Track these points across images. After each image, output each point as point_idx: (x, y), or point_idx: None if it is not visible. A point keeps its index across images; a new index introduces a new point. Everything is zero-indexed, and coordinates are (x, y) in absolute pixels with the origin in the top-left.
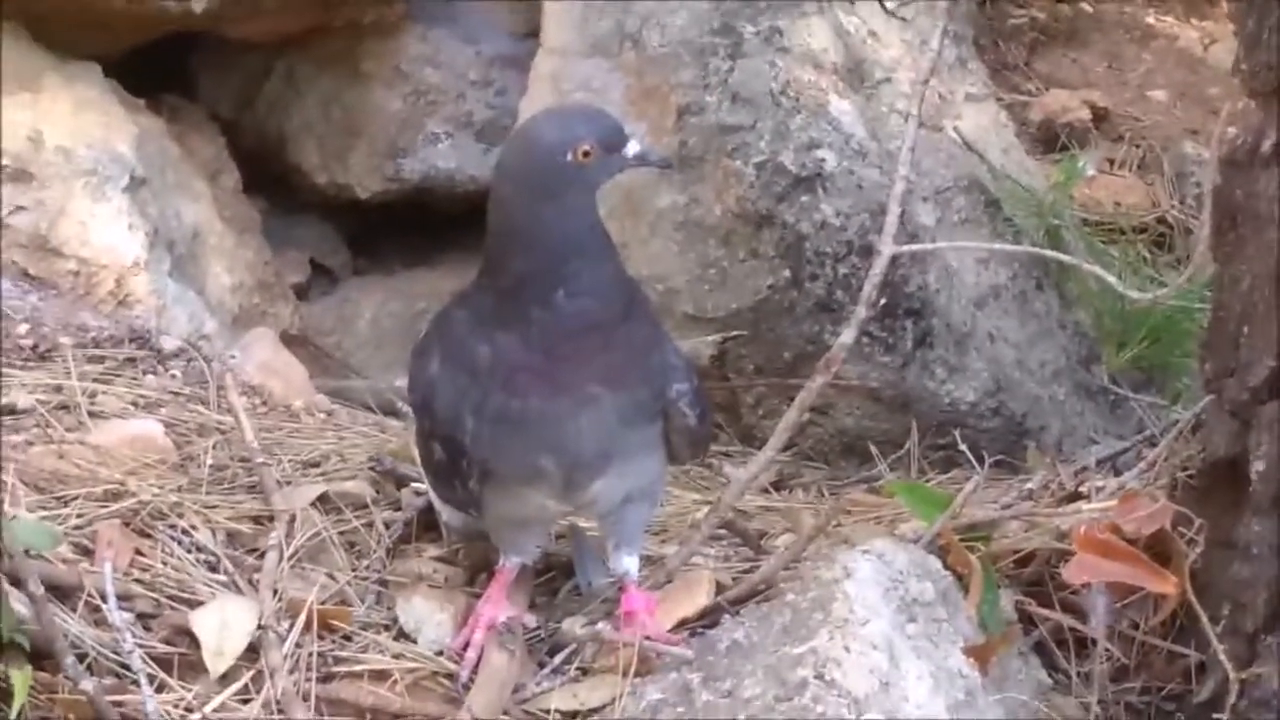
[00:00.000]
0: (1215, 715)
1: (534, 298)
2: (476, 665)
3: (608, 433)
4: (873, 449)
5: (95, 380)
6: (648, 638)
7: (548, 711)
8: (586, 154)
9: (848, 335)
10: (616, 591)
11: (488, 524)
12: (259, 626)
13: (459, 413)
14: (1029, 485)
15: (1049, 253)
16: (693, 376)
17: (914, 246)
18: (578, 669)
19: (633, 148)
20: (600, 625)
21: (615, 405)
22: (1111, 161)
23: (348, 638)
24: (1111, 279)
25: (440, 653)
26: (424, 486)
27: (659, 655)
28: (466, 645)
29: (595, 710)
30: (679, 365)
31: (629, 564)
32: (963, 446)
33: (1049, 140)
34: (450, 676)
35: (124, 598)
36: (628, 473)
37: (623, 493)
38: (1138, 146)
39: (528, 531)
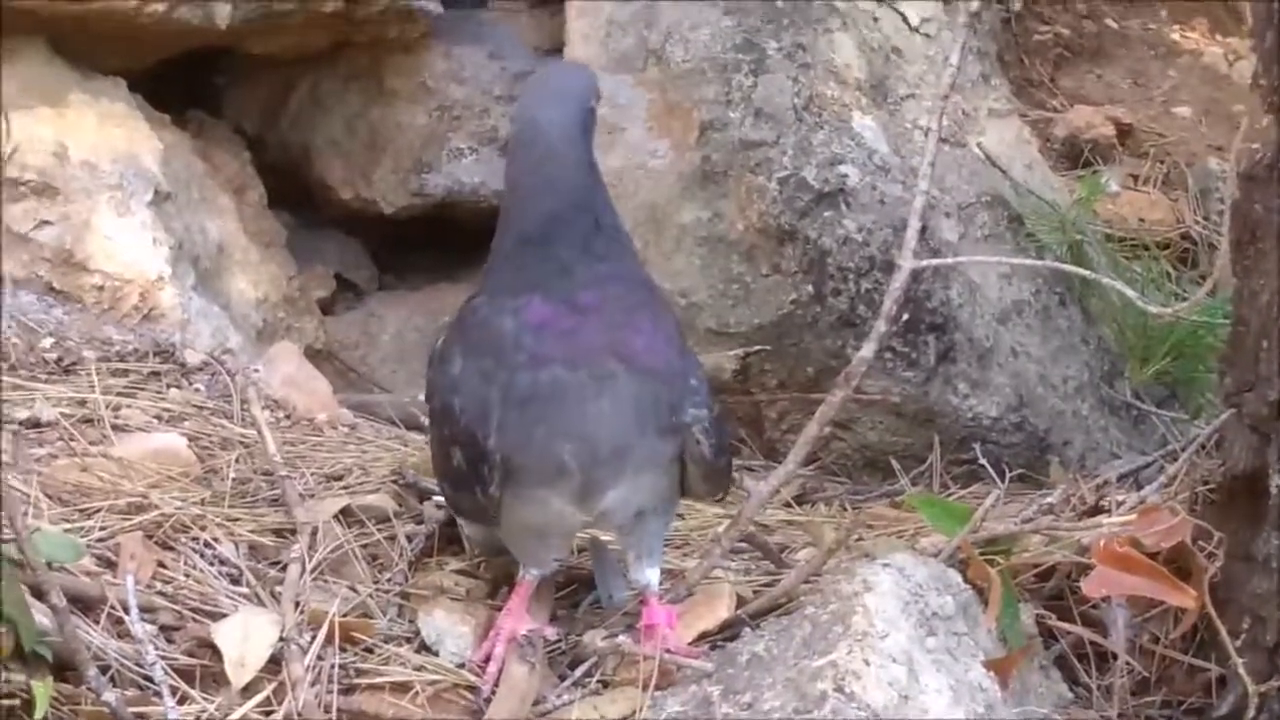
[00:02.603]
0: None
1: (563, 237)
2: (497, 679)
3: (624, 425)
4: (895, 464)
5: (119, 394)
6: (668, 651)
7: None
8: (598, 98)
9: (868, 349)
10: (637, 604)
11: (506, 535)
12: (281, 639)
13: (485, 403)
14: (1049, 499)
15: (1070, 267)
16: (712, 405)
17: (935, 261)
18: (599, 682)
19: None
20: (621, 638)
21: (631, 389)
22: (1135, 178)
23: (369, 650)
24: (1132, 293)
25: (462, 665)
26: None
27: (679, 668)
28: (488, 659)
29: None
30: (699, 389)
31: (650, 576)
32: (984, 461)
33: (1073, 156)
34: (472, 689)
35: (146, 610)
36: (641, 485)
37: (637, 505)
38: (1162, 163)
39: (547, 543)
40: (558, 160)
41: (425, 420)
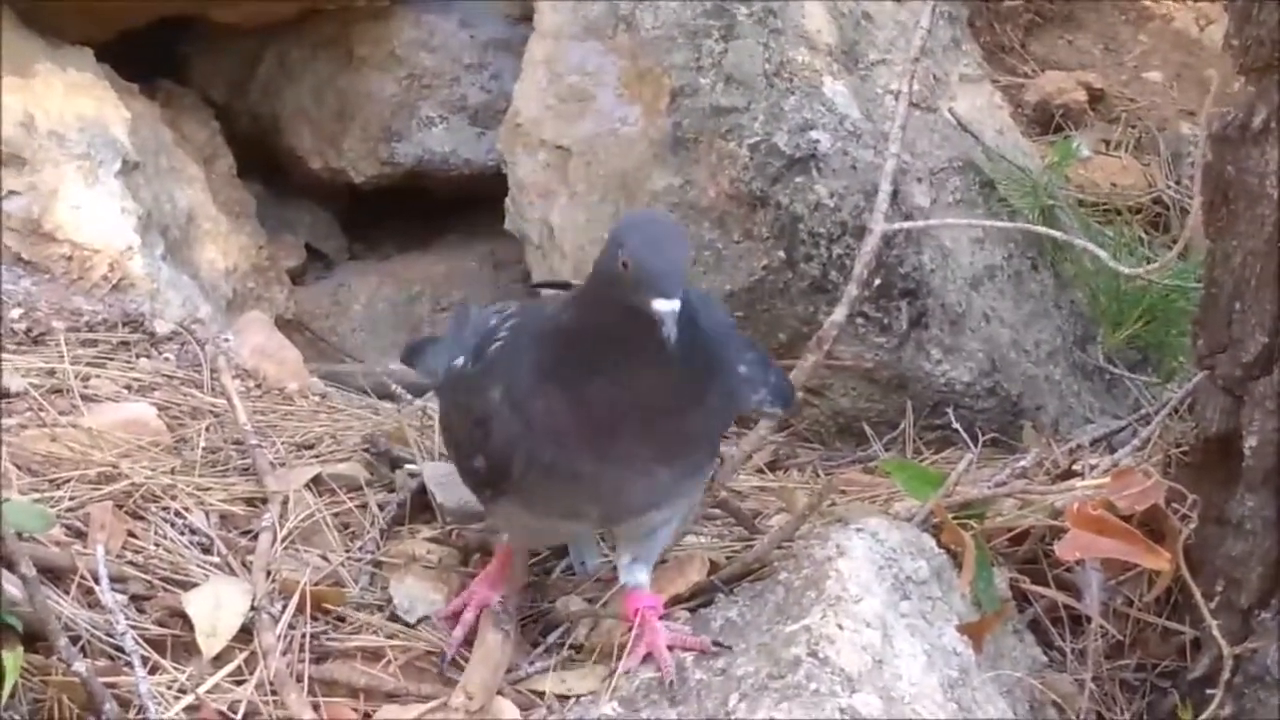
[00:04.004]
0: (1209, 691)
1: (581, 363)
2: (462, 643)
3: (658, 492)
4: (868, 429)
5: (88, 364)
6: (670, 647)
7: (541, 693)
8: (625, 267)
9: (839, 313)
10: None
11: (501, 520)
12: (252, 608)
13: (511, 454)
14: (1023, 463)
15: (1041, 229)
16: (769, 373)
17: (906, 224)
18: (571, 647)
19: (660, 305)
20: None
21: (670, 475)
22: (1107, 143)
23: (341, 619)
24: (1103, 254)
25: (424, 619)
26: (417, 468)
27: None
28: (456, 616)
29: (590, 692)
30: (752, 377)
31: (640, 579)
32: (957, 426)
33: (1045, 122)
34: (444, 655)
35: (117, 579)
36: (671, 508)
37: (660, 521)
38: (1134, 128)
39: (543, 539)
40: (598, 282)
41: (398, 389)
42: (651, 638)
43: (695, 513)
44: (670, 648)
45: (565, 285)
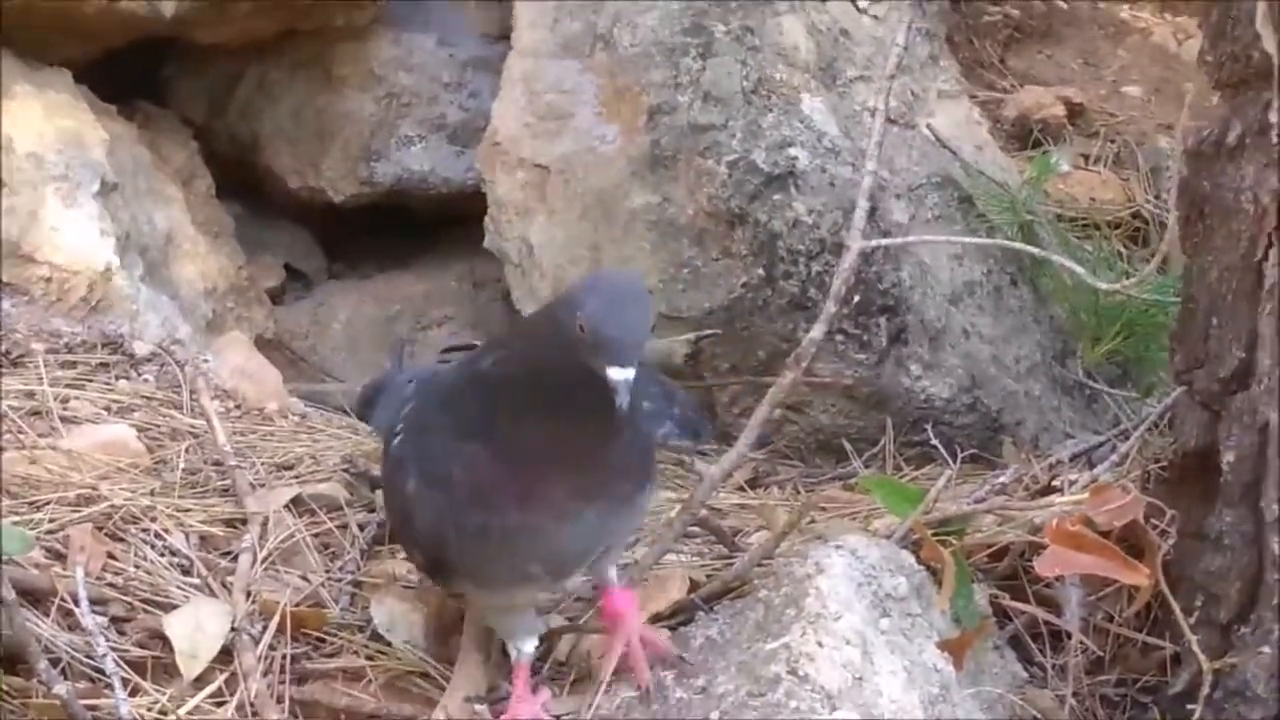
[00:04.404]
0: (1190, 706)
1: (505, 410)
2: None
3: (595, 535)
4: (848, 446)
5: (67, 385)
6: (642, 640)
7: None
8: (581, 330)
9: (818, 330)
10: (592, 590)
11: (479, 611)
12: (232, 629)
13: (441, 531)
14: (1002, 479)
15: (1019, 245)
16: (673, 406)
17: (884, 240)
18: (553, 664)
19: (615, 374)
20: (586, 624)
21: (599, 514)
22: (1086, 157)
23: (322, 639)
24: (1079, 269)
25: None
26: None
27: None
28: None
29: (570, 712)
30: (655, 411)
31: (610, 572)
32: (936, 443)
33: (1023, 137)
34: (424, 675)
35: (97, 601)
36: (617, 540)
37: (611, 552)
38: (1113, 142)
39: (523, 615)
40: (538, 341)
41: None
42: (626, 632)
43: (676, 531)
44: (644, 642)
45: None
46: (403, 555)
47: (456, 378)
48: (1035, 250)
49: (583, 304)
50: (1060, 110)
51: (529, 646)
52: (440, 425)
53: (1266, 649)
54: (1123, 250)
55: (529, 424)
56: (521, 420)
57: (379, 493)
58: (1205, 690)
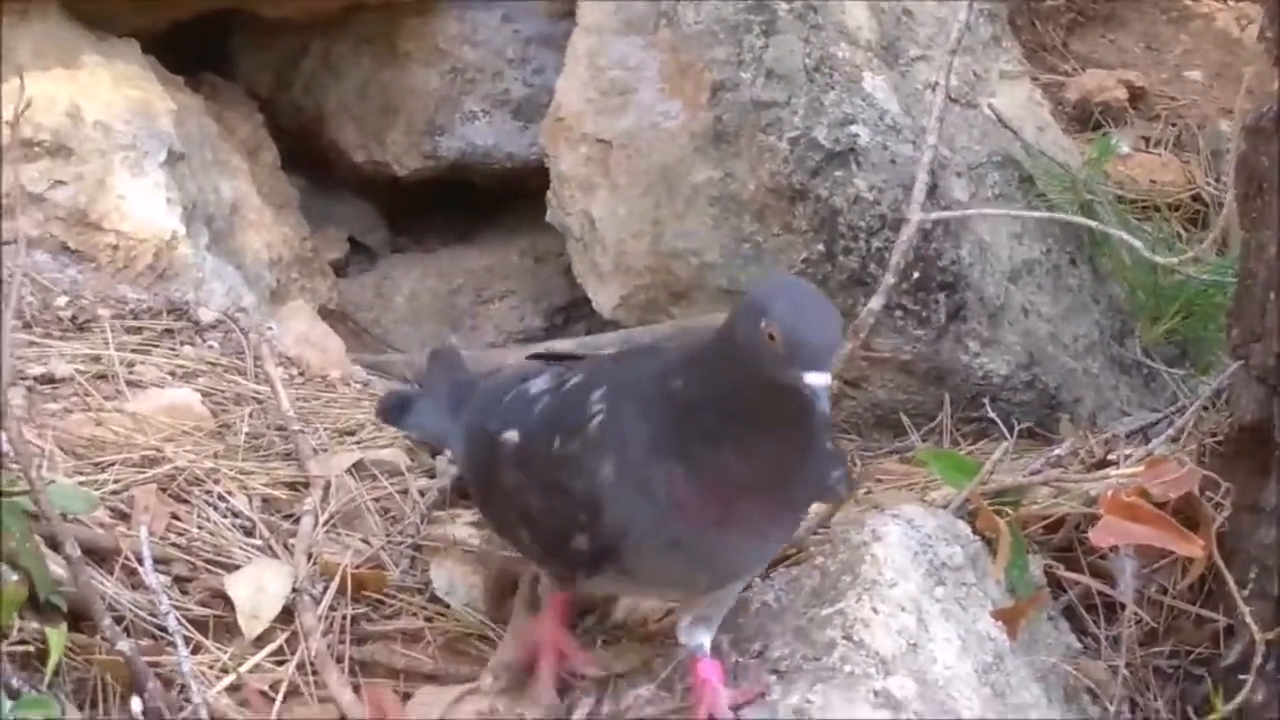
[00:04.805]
0: (1242, 677)
1: (703, 436)
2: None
3: (767, 554)
4: (905, 421)
5: (133, 350)
6: (735, 708)
7: (574, 675)
8: (771, 338)
9: (876, 301)
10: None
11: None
12: (294, 590)
13: (625, 531)
14: (1057, 452)
15: (1076, 219)
16: (836, 449)
17: (942, 213)
18: (611, 628)
19: (813, 379)
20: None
21: (777, 535)
22: (1147, 140)
23: (381, 601)
24: (1138, 243)
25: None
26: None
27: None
28: (530, 668)
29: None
30: (834, 454)
31: (703, 640)
32: (994, 416)
33: (1085, 120)
34: (482, 638)
35: (160, 561)
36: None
37: (743, 584)
38: (1174, 125)
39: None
40: (719, 358)
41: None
42: (713, 704)
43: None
44: (735, 708)
45: (568, 357)
46: (489, 523)
47: (649, 390)
48: (1093, 224)
49: (768, 310)
50: (1122, 93)
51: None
52: (637, 430)
53: None
54: (1182, 232)
55: (723, 453)
56: (721, 444)
57: (440, 459)
58: (1258, 661)
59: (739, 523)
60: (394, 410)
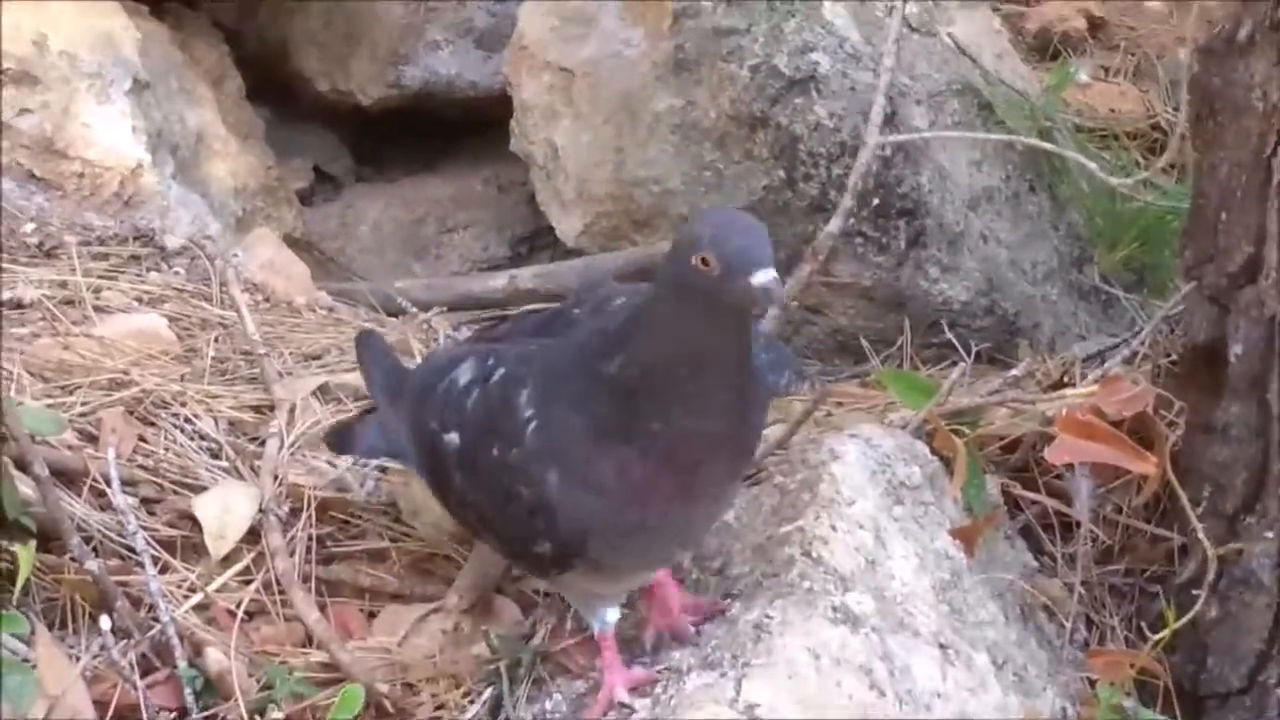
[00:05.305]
0: (1195, 593)
1: (651, 410)
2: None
3: (729, 501)
4: (866, 346)
5: (100, 276)
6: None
7: (541, 592)
8: (705, 262)
9: (834, 224)
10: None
11: (561, 587)
12: (260, 511)
13: (585, 531)
14: (1014, 373)
15: (1034, 141)
16: (776, 349)
17: (900, 137)
18: None
19: (760, 278)
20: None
21: (734, 485)
22: (1106, 70)
23: (347, 522)
24: (1092, 165)
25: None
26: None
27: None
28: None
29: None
30: (776, 360)
31: None
32: (950, 336)
33: (1044, 49)
34: (447, 558)
35: (128, 483)
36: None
37: None
38: (1133, 55)
39: (604, 599)
40: (645, 316)
41: (406, 305)
42: (666, 608)
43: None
44: (696, 620)
45: (496, 320)
46: (457, 522)
47: (579, 378)
48: (1049, 146)
49: (694, 244)
50: (1081, 23)
51: (613, 617)
52: (575, 426)
53: (1270, 534)
54: (1140, 160)
55: (677, 421)
56: (671, 411)
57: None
58: (1210, 578)
59: (702, 485)
60: (341, 439)
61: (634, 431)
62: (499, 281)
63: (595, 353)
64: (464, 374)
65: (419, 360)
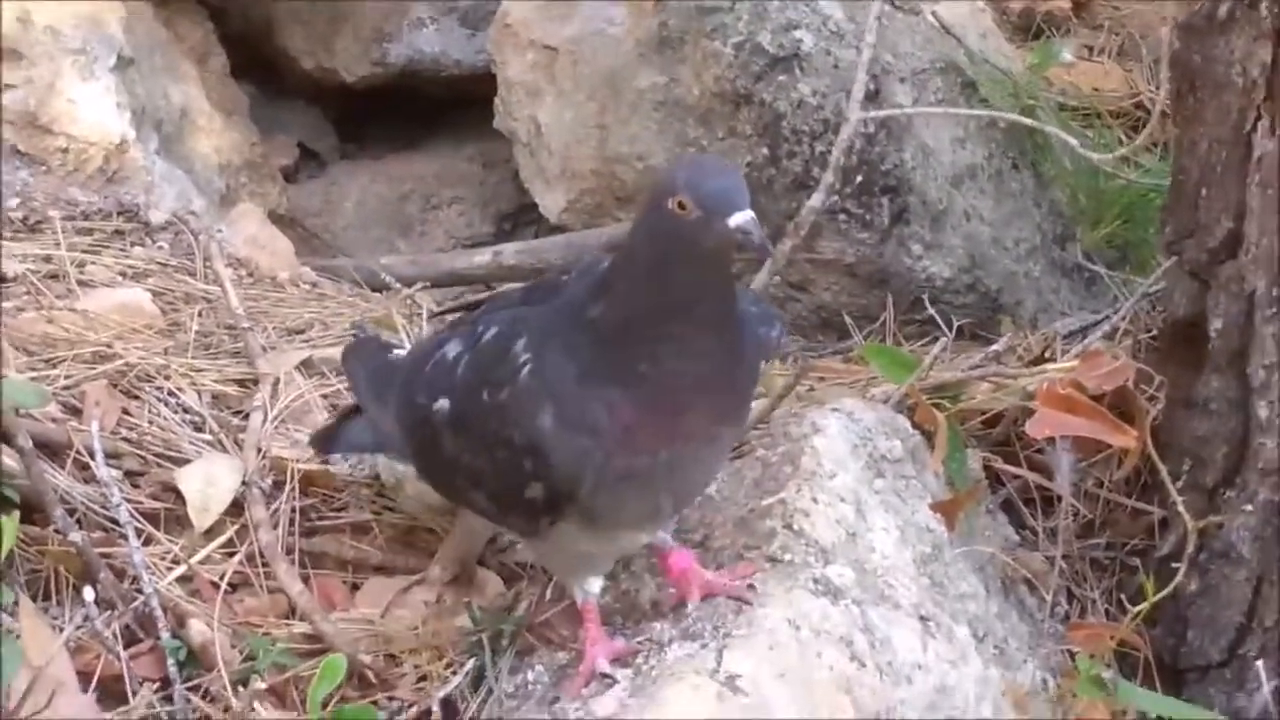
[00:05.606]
0: (1175, 565)
1: (636, 353)
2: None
3: (720, 458)
4: (849, 323)
5: (84, 251)
6: (714, 587)
7: (525, 564)
8: (681, 206)
9: (816, 198)
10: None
11: (547, 554)
12: (243, 483)
13: (580, 472)
14: (996, 348)
15: (1014, 116)
16: (769, 308)
17: (882, 112)
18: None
19: (737, 219)
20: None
21: (728, 434)
22: (1090, 49)
23: (330, 495)
24: (1073, 140)
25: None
26: (404, 352)
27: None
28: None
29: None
30: (762, 314)
31: (665, 535)
32: (933, 312)
33: (1028, 29)
34: (430, 531)
35: (112, 455)
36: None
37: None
38: (1117, 35)
39: (598, 564)
40: (629, 259)
41: (390, 280)
42: (705, 587)
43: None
44: (715, 589)
45: (471, 307)
46: (443, 495)
47: (568, 325)
48: (1030, 121)
49: (670, 189)
50: (1065, 2)
51: (596, 586)
52: (567, 370)
53: (1250, 508)
54: (1124, 139)
55: (663, 362)
56: (657, 352)
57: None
58: (1190, 550)
59: (691, 429)
60: (326, 440)
61: (622, 374)
62: (483, 258)
63: (582, 302)
64: (452, 348)
65: (405, 337)
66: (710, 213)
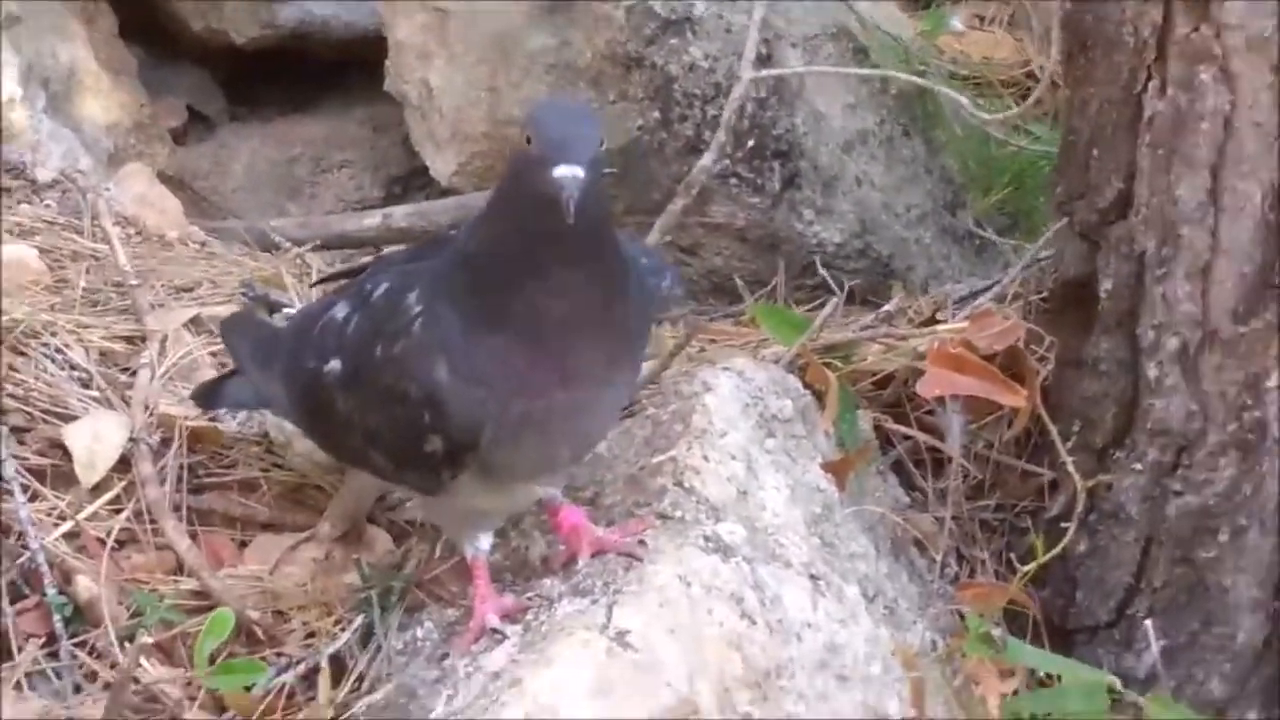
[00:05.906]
0: (1065, 525)
1: (506, 289)
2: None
3: (617, 407)
4: (740, 286)
5: None
6: (604, 544)
7: (413, 522)
8: (529, 141)
9: (707, 158)
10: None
11: (439, 510)
12: (131, 440)
13: (479, 420)
14: (887, 309)
15: (903, 75)
16: (657, 259)
17: (773, 71)
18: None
19: (561, 170)
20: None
21: (625, 384)
22: (981, 19)
23: (219, 452)
24: (964, 99)
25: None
26: (294, 312)
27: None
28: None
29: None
30: (654, 266)
31: (555, 491)
32: (825, 274)
33: None
34: (318, 488)
35: None
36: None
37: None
38: (1008, 3)
39: (495, 520)
40: (496, 194)
41: (281, 241)
42: (595, 544)
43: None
44: (606, 546)
45: (358, 271)
46: (337, 458)
47: (451, 275)
48: (923, 81)
49: (528, 119)
50: None
51: (486, 543)
52: (454, 319)
53: (1139, 468)
54: (1014, 106)
55: (532, 298)
56: (528, 293)
57: (277, 316)
58: (1080, 510)
59: (580, 370)
60: (209, 396)
61: (500, 317)
62: (373, 220)
63: (464, 241)
64: (340, 309)
65: (294, 296)
66: (543, 155)
